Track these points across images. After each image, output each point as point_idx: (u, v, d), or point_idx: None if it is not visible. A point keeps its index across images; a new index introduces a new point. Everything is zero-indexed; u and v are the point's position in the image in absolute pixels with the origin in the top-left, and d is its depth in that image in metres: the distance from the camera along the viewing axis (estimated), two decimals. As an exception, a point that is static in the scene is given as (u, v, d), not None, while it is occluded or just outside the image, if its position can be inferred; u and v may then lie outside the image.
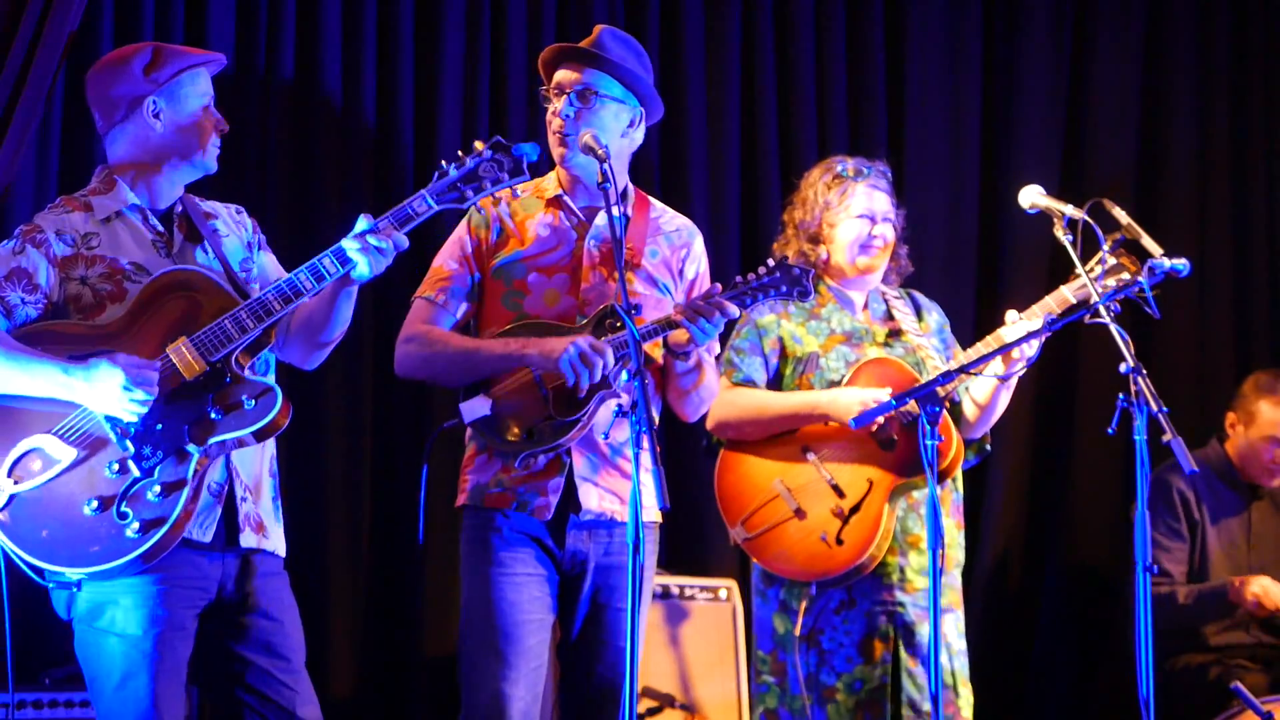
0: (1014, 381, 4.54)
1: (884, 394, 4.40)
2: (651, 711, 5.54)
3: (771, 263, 3.85)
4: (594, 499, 3.86)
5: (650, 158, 6.24)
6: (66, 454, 3.57)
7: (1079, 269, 4.17)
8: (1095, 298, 4.13)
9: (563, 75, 3.97)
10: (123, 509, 3.53)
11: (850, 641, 4.47)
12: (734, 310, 3.78)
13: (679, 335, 3.82)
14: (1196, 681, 5.63)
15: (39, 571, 3.58)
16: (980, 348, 4.44)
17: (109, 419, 3.56)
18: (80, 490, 3.56)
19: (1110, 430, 3.90)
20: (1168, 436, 3.82)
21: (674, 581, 5.71)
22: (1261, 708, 4.89)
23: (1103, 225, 4.18)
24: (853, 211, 4.63)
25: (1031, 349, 4.35)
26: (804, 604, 4.48)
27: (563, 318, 3.89)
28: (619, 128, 3.97)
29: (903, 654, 4.48)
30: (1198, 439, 5.92)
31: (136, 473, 3.55)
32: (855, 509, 4.44)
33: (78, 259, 3.71)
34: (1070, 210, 4.23)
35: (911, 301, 4.79)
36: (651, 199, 4.12)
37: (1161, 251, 4.18)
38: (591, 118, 3.93)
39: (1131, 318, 4.29)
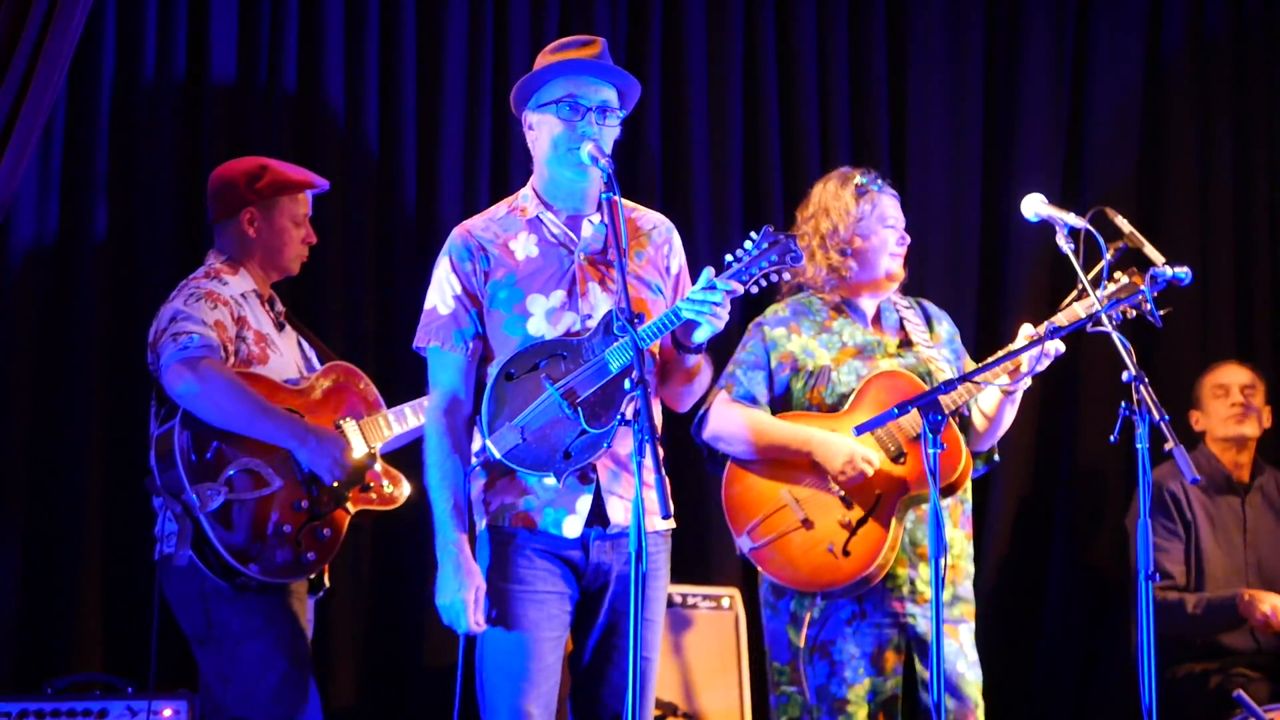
0: (1019, 396, 4.54)
1: (873, 456, 4.42)
2: (654, 720, 5.54)
3: (755, 235, 3.76)
4: (620, 511, 3.84)
5: (652, 162, 6.25)
6: (275, 481, 4.33)
7: (1081, 278, 4.17)
8: (1098, 306, 4.13)
9: (580, 88, 3.90)
10: (299, 538, 4.35)
11: (862, 653, 4.46)
12: (739, 288, 3.72)
13: (699, 334, 3.78)
14: (1199, 689, 5.63)
15: (226, 568, 4.27)
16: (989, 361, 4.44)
17: (306, 471, 4.36)
18: (276, 514, 4.32)
19: (1112, 438, 3.90)
20: (1169, 445, 3.82)
21: (676, 590, 5.70)
22: (1264, 716, 4.88)
23: (1105, 234, 4.18)
24: (884, 221, 4.65)
25: (1040, 362, 4.35)
26: (809, 615, 4.48)
27: (568, 334, 3.85)
28: (612, 142, 3.96)
29: (919, 666, 4.48)
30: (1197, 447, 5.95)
31: (315, 515, 4.38)
32: (863, 521, 4.43)
33: (242, 321, 4.48)
34: (1072, 219, 4.23)
35: (922, 311, 4.79)
36: (620, 197, 4.00)
37: (1164, 260, 4.19)
38: (605, 132, 3.90)
39: (1134, 326, 4.29)
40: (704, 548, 5.96)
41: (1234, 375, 6.02)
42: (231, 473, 4.29)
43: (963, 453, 4.46)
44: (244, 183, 4.60)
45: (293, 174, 4.68)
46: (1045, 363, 4.38)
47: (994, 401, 4.54)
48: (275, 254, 4.62)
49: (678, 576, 5.70)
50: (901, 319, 4.70)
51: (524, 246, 3.93)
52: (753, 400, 4.57)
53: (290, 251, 4.64)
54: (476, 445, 3.87)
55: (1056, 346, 4.36)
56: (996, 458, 4.74)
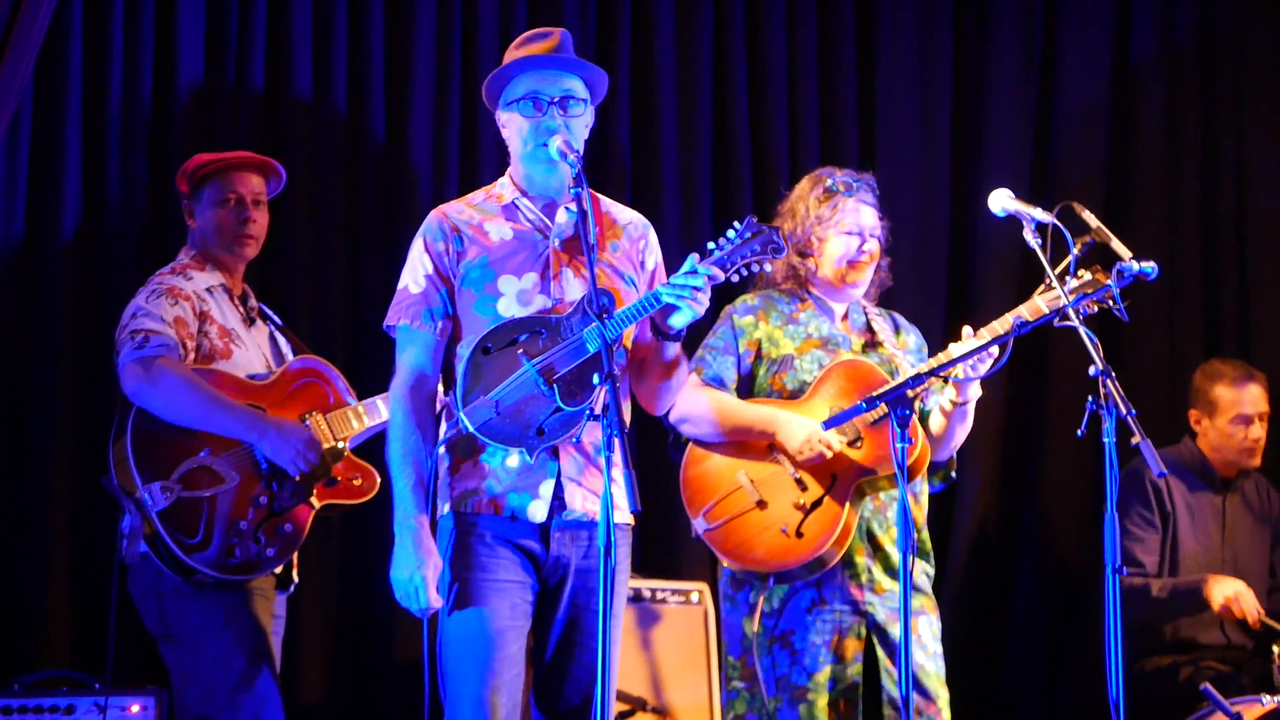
0: (970, 409, 4.55)
1: (833, 438, 4.43)
2: (623, 715, 5.54)
3: (739, 224, 3.76)
4: (578, 499, 3.84)
5: (622, 158, 6.25)
6: (231, 477, 4.32)
7: (1048, 272, 4.18)
8: (1064, 301, 4.15)
9: (541, 83, 3.93)
10: (259, 534, 4.34)
11: (822, 641, 4.48)
12: (720, 274, 3.72)
13: (678, 318, 3.78)
14: (1167, 682, 5.65)
15: (180, 565, 4.26)
16: (954, 349, 4.44)
17: (268, 464, 4.36)
18: (232, 510, 4.31)
19: (1080, 433, 3.91)
20: (1137, 439, 3.83)
21: (646, 585, 5.71)
22: (1231, 709, 4.90)
23: (1072, 228, 4.19)
24: (842, 227, 4.65)
25: (980, 365, 4.38)
26: (761, 601, 4.49)
27: (543, 312, 3.86)
28: (585, 130, 3.98)
29: (880, 654, 4.49)
30: (1167, 440, 5.95)
31: (275, 511, 4.38)
32: (817, 503, 4.46)
33: (204, 316, 4.50)
34: (1039, 214, 4.24)
35: (891, 320, 4.82)
36: (597, 194, 4.07)
37: (1130, 255, 4.20)
38: (570, 123, 3.92)
39: (1101, 320, 4.31)
40: (673, 543, 5.97)
41: (1257, 403, 5.89)
42: (184, 470, 4.29)
43: (920, 440, 4.48)
44: (179, 178, 4.69)
45: (211, 156, 4.71)
46: (985, 365, 4.39)
47: (949, 406, 4.56)
48: (211, 240, 4.63)
49: (647, 571, 5.74)
50: (869, 321, 4.73)
51: (499, 229, 3.95)
52: (721, 383, 4.61)
53: (219, 230, 4.63)
54: (443, 429, 3.88)
55: (991, 350, 4.37)
56: (954, 474, 4.77)
